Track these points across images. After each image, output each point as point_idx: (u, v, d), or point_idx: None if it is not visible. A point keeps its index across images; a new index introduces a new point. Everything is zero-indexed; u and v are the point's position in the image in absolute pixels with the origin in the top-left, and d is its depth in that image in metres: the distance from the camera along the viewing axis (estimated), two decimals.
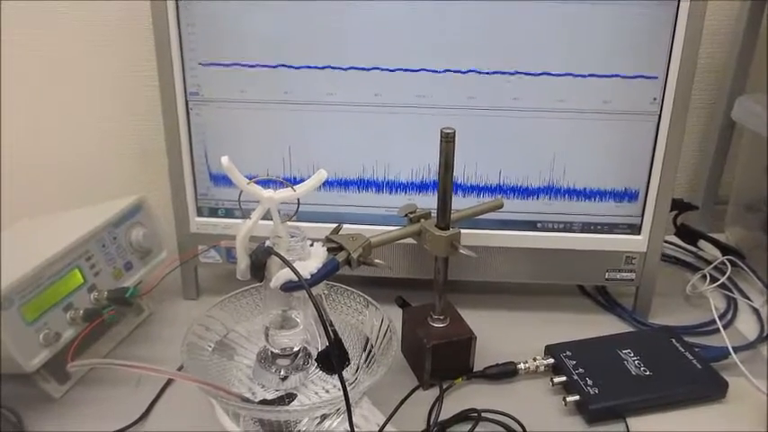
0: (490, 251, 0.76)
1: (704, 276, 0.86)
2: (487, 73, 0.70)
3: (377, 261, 0.61)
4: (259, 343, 0.63)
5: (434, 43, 0.70)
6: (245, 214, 0.56)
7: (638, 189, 0.74)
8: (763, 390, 0.67)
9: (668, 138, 0.71)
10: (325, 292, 0.63)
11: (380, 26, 0.69)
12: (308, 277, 0.55)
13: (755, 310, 0.81)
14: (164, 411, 0.65)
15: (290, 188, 0.56)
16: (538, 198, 0.75)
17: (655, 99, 0.71)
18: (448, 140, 0.61)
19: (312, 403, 0.58)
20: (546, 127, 0.72)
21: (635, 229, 0.76)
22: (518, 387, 0.68)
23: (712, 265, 0.88)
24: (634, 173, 0.74)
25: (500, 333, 0.73)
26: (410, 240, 0.66)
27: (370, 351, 0.63)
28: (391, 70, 0.71)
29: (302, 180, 0.57)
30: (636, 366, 0.67)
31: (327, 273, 0.57)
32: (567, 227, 0.76)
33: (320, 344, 0.62)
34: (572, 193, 0.75)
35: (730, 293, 0.84)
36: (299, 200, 0.57)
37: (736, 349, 0.70)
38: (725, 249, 0.90)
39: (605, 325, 0.78)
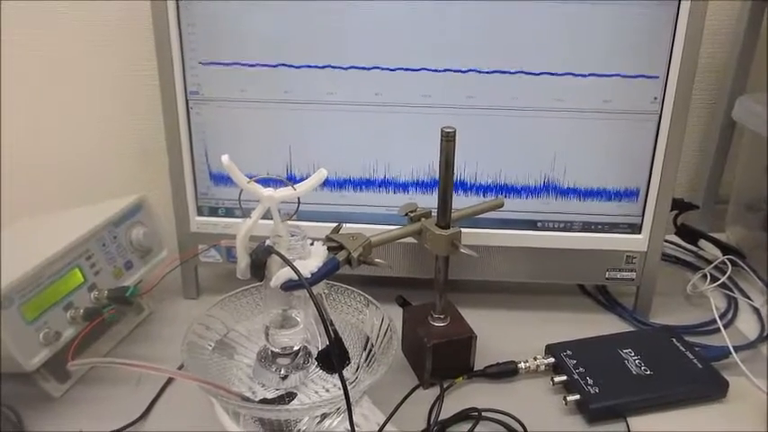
0: (490, 250, 0.76)
1: (705, 276, 0.86)
2: (488, 72, 0.70)
3: (377, 260, 0.61)
4: (259, 342, 0.63)
5: (434, 43, 0.70)
6: (246, 213, 0.56)
7: (638, 188, 0.74)
8: (764, 389, 0.67)
9: (669, 137, 0.71)
10: (326, 291, 0.63)
11: (380, 26, 0.69)
12: (309, 276, 0.55)
13: (756, 310, 0.81)
14: (164, 410, 0.65)
15: (290, 187, 0.56)
16: (538, 197, 0.75)
17: (655, 98, 0.71)
18: (448, 139, 0.61)
19: (312, 402, 0.58)
20: (546, 126, 0.72)
21: (635, 228, 0.76)
22: (518, 386, 0.68)
23: (713, 265, 0.88)
24: (634, 172, 0.74)
25: (500, 332, 0.73)
26: (410, 239, 0.66)
27: (370, 350, 0.63)
28: (391, 69, 0.71)
29: (302, 179, 0.57)
30: (636, 366, 0.67)
31: (328, 272, 0.57)
32: (568, 226, 0.76)
33: (320, 343, 0.62)
34: (572, 192, 0.75)
35: (731, 293, 0.84)
36: (299, 199, 0.57)
37: (736, 349, 0.70)
38: (725, 249, 0.90)
39: (606, 324, 0.78)
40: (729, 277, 0.85)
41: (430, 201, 0.70)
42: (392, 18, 0.69)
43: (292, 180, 0.69)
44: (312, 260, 0.57)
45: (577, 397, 0.64)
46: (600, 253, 0.76)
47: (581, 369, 0.67)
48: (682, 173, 1.02)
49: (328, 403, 0.55)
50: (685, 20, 0.67)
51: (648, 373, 0.66)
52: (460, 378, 0.68)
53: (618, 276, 0.77)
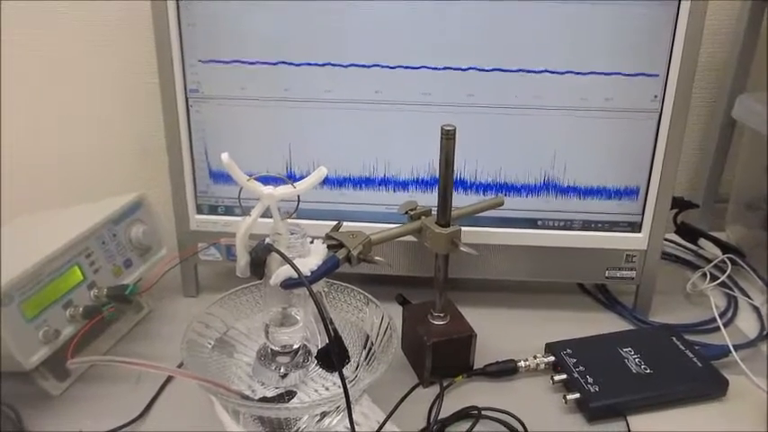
0: (490, 249, 0.76)
1: (704, 275, 0.86)
2: (488, 70, 0.70)
3: (377, 258, 0.61)
4: (259, 340, 0.63)
5: (435, 41, 0.70)
6: (245, 211, 0.56)
7: (638, 187, 0.74)
8: (764, 388, 0.67)
9: (669, 136, 0.71)
10: (325, 289, 0.63)
11: (380, 24, 0.69)
12: (309, 274, 0.55)
13: (756, 309, 0.81)
14: (163, 409, 0.64)
15: (290, 185, 0.56)
16: (538, 196, 0.75)
17: (656, 97, 0.70)
18: (448, 137, 0.61)
19: (312, 401, 0.58)
20: (546, 124, 0.72)
21: (635, 227, 0.76)
22: (518, 385, 0.68)
23: (712, 264, 0.87)
24: (635, 171, 0.74)
25: (500, 331, 0.73)
26: (410, 238, 0.66)
27: (370, 348, 0.63)
28: (391, 68, 0.71)
29: (302, 177, 0.57)
30: (636, 364, 0.67)
31: (327, 270, 0.57)
32: (568, 225, 0.76)
33: (320, 341, 0.62)
34: (572, 190, 0.74)
35: (731, 292, 0.84)
36: (299, 197, 0.57)
37: (736, 347, 0.70)
38: (725, 248, 0.90)
39: (605, 323, 0.78)
40: (729, 276, 0.85)
41: (430, 199, 0.70)
42: (392, 17, 0.69)
43: (292, 178, 0.69)
44: (312, 258, 0.57)
45: (577, 395, 0.64)
46: (600, 251, 0.76)
47: (581, 368, 0.66)
48: (682, 171, 1.02)
49: (328, 402, 0.54)
50: (685, 19, 0.67)
51: (648, 371, 0.66)
52: (460, 377, 0.68)
53: (618, 275, 0.77)
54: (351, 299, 0.66)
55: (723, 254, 0.88)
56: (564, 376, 0.66)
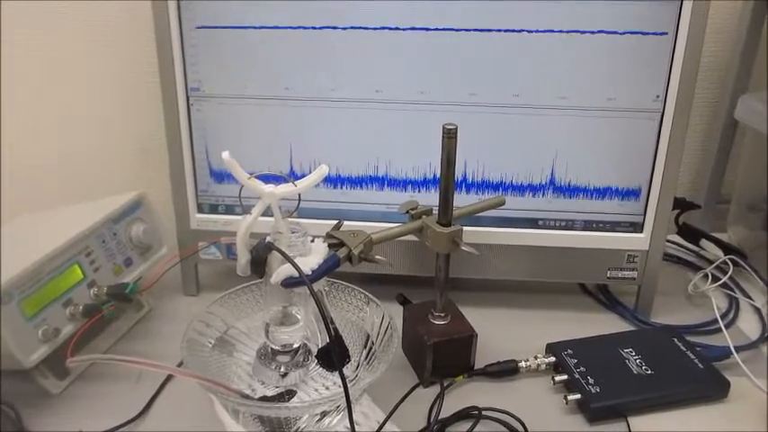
0: (491, 248, 0.76)
1: (706, 276, 0.85)
2: (490, 70, 0.70)
3: (378, 257, 0.61)
4: (259, 339, 0.63)
5: (436, 40, 0.69)
6: (246, 210, 0.56)
7: (640, 187, 0.74)
8: (765, 389, 0.66)
9: (671, 136, 0.71)
10: (326, 288, 0.63)
11: (381, 24, 0.69)
12: (309, 273, 0.55)
13: (757, 310, 0.81)
14: (163, 408, 0.64)
15: (290, 183, 0.56)
16: (540, 195, 0.75)
17: (658, 97, 0.70)
18: (450, 136, 0.61)
19: (312, 400, 0.58)
20: (548, 124, 0.72)
21: (637, 227, 0.76)
22: (519, 385, 0.68)
23: (714, 265, 0.87)
24: (637, 171, 0.73)
25: (501, 331, 0.73)
26: (411, 237, 0.66)
27: (370, 348, 0.62)
28: (393, 67, 0.70)
29: (303, 176, 0.57)
30: (637, 365, 0.67)
31: (328, 269, 0.57)
32: (569, 225, 0.76)
33: (320, 341, 0.62)
34: (574, 190, 0.74)
35: (732, 293, 0.84)
36: (299, 195, 0.57)
37: (737, 349, 0.70)
38: (727, 249, 0.90)
39: (607, 324, 0.78)
40: (731, 277, 0.84)
41: (431, 198, 0.70)
42: (392, 16, 0.69)
43: (293, 177, 0.69)
44: (312, 257, 0.57)
45: (578, 396, 0.64)
46: (601, 252, 0.76)
47: (582, 368, 0.66)
48: (683, 172, 1.02)
49: (328, 401, 0.54)
50: (688, 19, 0.67)
51: (649, 372, 0.66)
52: (461, 377, 0.68)
53: (619, 275, 0.77)
54: (351, 298, 0.66)
55: (725, 255, 0.88)
56: (565, 377, 0.66)
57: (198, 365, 0.58)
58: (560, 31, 0.68)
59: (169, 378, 0.67)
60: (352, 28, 0.69)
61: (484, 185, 0.75)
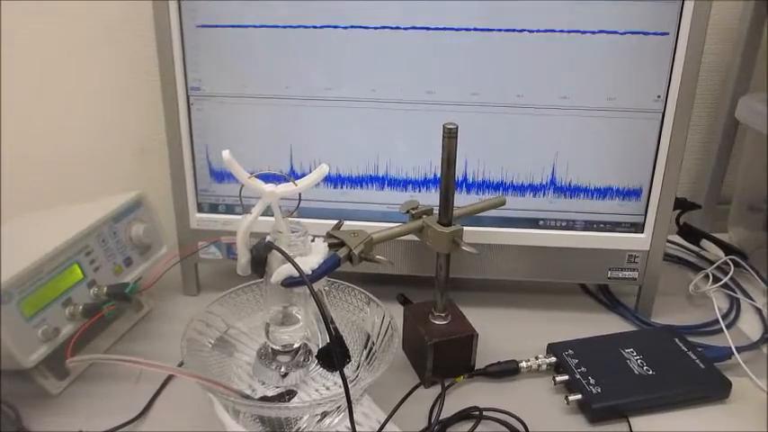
0: (492, 248, 0.76)
1: (707, 276, 0.85)
2: (491, 69, 0.70)
3: (378, 257, 0.61)
4: (259, 339, 0.62)
5: (437, 40, 0.69)
6: (246, 209, 0.55)
7: (641, 187, 0.74)
8: (767, 390, 0.66)
9: (672, 136, 0.71)
10: (326, 288, 0.63)
11: (382, 23, 0.69)
12: (310, 273, 0.55)
13: (758, 311, 0.81)
14: (163, 408, 0.64)
15: (291, 183, 0.55)
16: (540, 195, 0.75)
17: (659, 97, 0.70)
18: (450, 136, 0.61)
19: (313, 400, 0.58)
20: (549, 124, 0.72)
21: (638, 227, 0.75)
22: (520, 385, 0.68)
23: (715, 265, 0.87)
24: (637, 171, 0.73)
25: (502, 331, 0.73)
26: (412, 237, 0.66)
27: (371, 348, 0.62)
28: (394, 66, 0.70)
29: (303, 175, 0.57)
30: (639, 366, 0.67)
31: (328, 268, 0.57)
32: (570, 225, 0.76)
33: (321, 341, 0.62)
34: (575, 190, 0.74)
35: (733, 293, 0.83)
36: (300, 195, 0.57)
37: (739, 349, 0.70)
38: (728, 249, 0.90)
39: (607, 324, 0.78)
40: (732, 278, 0.84)
41: (431, 198, 0.70)
42: (393, 15, 0.69)
43: (293, 176, 0.69)
44: (313, 257, 0.56)
45: (579, 397, 0.64)
46: (602, 252, 0.76)
47: (583, 368, 0.66)
48: (684, 173, 1.01)
49: (329, 401, 0.54)
50: (689, 19, 0.67)
51: (651, 373, 0.66)
52: (461, 377, 0.67)
53: (620, 276, 0.77)
54: (352, 298, 0.66)
55: (725, 255, 0.88)
56: (566, 377, 0.66)
57: (198, 365, 0.57)
58: (561, 31, 0.68)
59: (169, 378, 0.67)
60: (352, 27, 0.69)
61: (484, 185, 0.74)
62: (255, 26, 0.70)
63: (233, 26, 0.70)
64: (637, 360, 0.68)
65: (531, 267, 0.77)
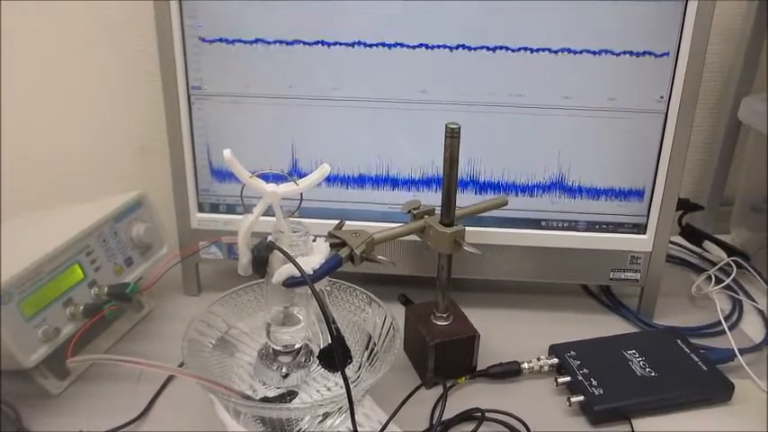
0: (494, 249, 0.76)
1: (709, 277, 0.85)
2: (493, 69, 0.70)
3: (380, 257, 0.61)
4: (260, 340, 0.62)
5: (439, 40, 0.69)
6: (247, 209, 0.55)
7: (643, 188, 0.74)
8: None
9: (675, 137, 0.71)
10: (328, 288, 0.63)
11: (384, 23, 0.69)
12: (311, 273, 0.54)
13: (761, 312, 0.81)
14: (164, 408, 0.64)
15: (292, 182, 0.55)
16: (542, 196, 0.74)
17: (662, 98, 0.70)
18: (453, 136, 0.61)
19: (314, 401, 0.57)
20: (551, 124, 0.71)
21: (640, 228, 0.75)
22: (522, 387, 0.68)
23: (717, 267, 0.87)
24: (640, 172, 0.73)
25: (503, 332, 0.73)
26: (413, 237, 0.66)
27: (372, 349, 0.62)
28: (395, 66, 0.70)
29: (305, 175, 0.56)
30: (641, 367, 0.67)
31: (330, 269, 0.56)
32: (572, 225, 0.76)
33: (322, 341, 0.62)
34: (577, 191, 0.74)
35: (735, 295, 0.83)
36: (301, 195, 0.56)
37: (741, 351, 0.70)
38: (730, 251, 0.89)
39: (609, 325, 0.78)
40: (734, 279, 0.84)
41: (433, 198, 0.70)
42: (394, 16, 0.69)
43: (295, 176, 0.68)
44: (314, 257, 0.56)
45: (581, 398, 0.63)
46: (604, 253, 0.76)
47: (585, 370, 0.66)
48: (687, 174, 1.01)
49: (330, 402, 0.54)
50: (692, 19, 0.67)
51: (653, 374, 0.66)
52: (463, 378, 0.67)
53: (622, 277, 0.77)
54: (353, 298, 0.66)
55: (728, 257, 0.88)
56: (568, 378, 0.66)
57: (199, 366, 0.57)
58: (564, 31, 0.68)
59: (170, 379, 0.66)
60: (354, 27, 0.69)
61: (486, 185, 0.74)
62: (257, 25, 0.70)
63: (235, 25, 0.70)
64: (639, 362, 0.67)
65: (533, 268, 0.77)
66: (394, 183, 0.75)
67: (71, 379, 0.67)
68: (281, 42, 0.70)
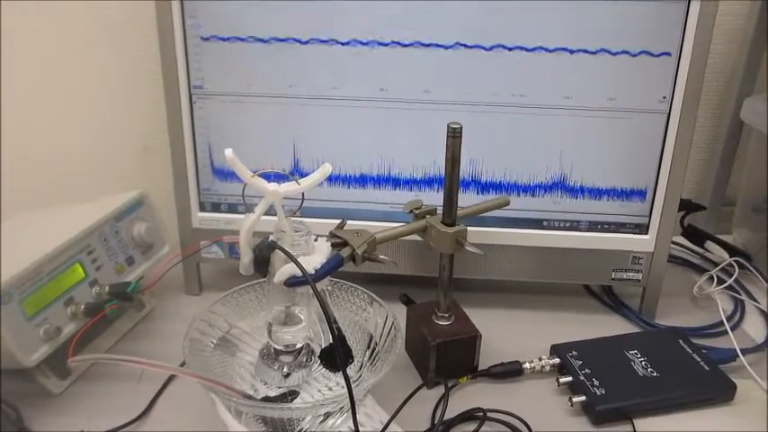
0: (496, 249, 0.75)
1: (711, 278, 0.85)
2: (494, 69, 0.70)
3: (381, 257, 0.61)
4: (262, 339, 0.62)
5: (439, 40, 0.69)
6: (249, 208, 0.55)
7: (645, 188, 0.74)
8: None
9: (677, 137, 0.71)
10: (329, 288, 0.63)
11: (385, 23, 0.69)
12: (312, 272, 0.54)
13: (763, 312, 0.81)
14: (165, 408, 0.64)
15: (294, 182, 0.55)
16: (544, 196, 0.74)
17: (664, 98, 0.70)
18: (455, 135, 0.61)
19: (315, 401, 0.57)
20: (553, 124, 0.71)
21: (642, 228, 0.75)
22: (523, 387, 0.67)
23: (719, 267, 0.87)
24: (642, 172, 0.73)
25: (505, 332, 0.73)
26: (415, 237, 0.66)
27: (374, 349, 0.62)
28: (397, 66, 0.70)
29: (306, 175, 0.56)
30: (643, 367, 0.66)
31: (331, 268, 0.56)
32: (574, 225, 0.76)
33: (323, 341, 0.62)
34: (579, 191, 0.74)
35: (737, 295, 0.83)
36: (303, 194, 0.56)
37: (743, 351, 0.70)
38: (732, 251, 0.89)
39: (611, 325, 0.78)
40: (736, 280, 0.84)
41: (435, 198, 0.70)
42: (396, 15, 0.68)
43: (296, 175, 0.68)
44: (316, 256, 0.56)
45: (583, 398, 0.63)
46: (606, 253, 0.76)
47: (587, 370, 0.66)
48: (689, 173, 1.01)
49: (332, 402, 0.54)
50: (695, 19, 0.66)
51: (655, 374, 0.66)
52: (465, 378, 0.67)
53: (624, 277, 0.77)
54: (355, 298, 0.66)
55: (730, 257, 0.87)
56: (569, 378, 0.65)
57: (200, 365, 0.57)
58: (566, 31, 0.68)
59: (171, 378, 0.66)
60: (355, 27, 0.69)
61: (488, 185, 0.74)
62: (257, 25, 0.70)
63: (236, 25, 0.70)
64: (641, 362, 0.67)
65: (535, 268, 0.77)
66: (396, 182, 0.75)
67: (72, 378, 0.66)
68: (282, 41, 0.70)
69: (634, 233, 0.75)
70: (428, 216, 0.66)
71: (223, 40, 0.71)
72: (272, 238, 0.56)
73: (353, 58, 0.70)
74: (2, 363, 0.59)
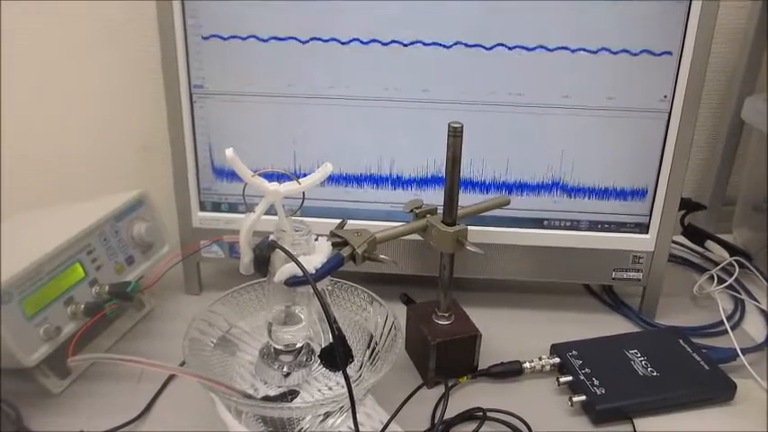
0: (496, 248, 0.75)
1: (711, 277, 0.85)
2: (494, 69, 0.70)
3: (382, 257, 0.61)
4: (262, 339, 0.62)
5: (440, 39, 0.69)
6: (249, 208, 0.55)
7: (646, 188, 0.73)
8: None
9: (678, 136, 0.71)
10: (329, 287, 0.63)
11: (385, 22, 0.69)
12: (313, 272, 0.54)
13: (763, 312, 0.81)
14: (165, 407, 0.64)
15: (294, 181, 0.55)
16: (545, 195, 0.74)
17: (665, 97, 0.70)
18: (456, 135, 0.61)
19: (315, 400, 0.57)
20: (554, 124, 0.71)
21: (643, 228, 0.75)
22: (523, 386, 0.67)
23: (719, 266, 0.87)
24: (643, 171, 0.73)
25: (505, 331, 0.73)
26: (415, 236, 0.66)
27: (374, 348, 0.62)
28: (397, 65, 0.70)
29: (307, 174, 0.56)
30: (643, 367, 0.66)
31: (332, 268, 0.56)
32: (574, 225, 0.76)
33: (323, 340, 0.62)
34: (579, 190, 0.74)
35: (738, 295, 0.83)
36: (303, 193, 0.56)
37: (743, 351, 0.69)
38: (732, 250, 0.89)
39: (611, 325, 0.78)
40: (736, 279, 0.84)
41: (435, 197, 0.70)
42: (395, 15, 0.68)
43: (297, 175, 0.68)
44: (316, 256, 0.56)
45: (583, 398, 0.63)
46: (606, 252, 0.76)
47: (587, 369, 0.66)
48: (689, 173, 1.01)
49: (332, 402, 0.54)
50: (696, 19, 0.66)
51: (655, 374, 0.66)
52: (465, 377, 0.67)
53: (624, 276, 0.77)
54: (355, 298, 0.66)
55: (730, 256, 0.87)
56: (570, 378, 0.65)
57: (200, 365, 0.57)
58: (567, 30, 0.68)
59: (171, 378, 0.66)
60: (355, 26, 0.69)
61: (489, 185, 0.74)
62: (258, 24, 0.70)
63: (236, 24, 0.70)
64: (641, 361, 0.67)
65: (535, 267, 0.77)
66: (396, 182, 0.75)
67: (72, 378, 0.66)
68: (282, 41, 0.70)
69: (634, 232, 0.75)
70: (428, 215, 0.65)
71: (224, 39, 0.71)
72: (272, 237, 0.56)
73: (354, 57, 0.70)
74: (2, 362, 0.59)
